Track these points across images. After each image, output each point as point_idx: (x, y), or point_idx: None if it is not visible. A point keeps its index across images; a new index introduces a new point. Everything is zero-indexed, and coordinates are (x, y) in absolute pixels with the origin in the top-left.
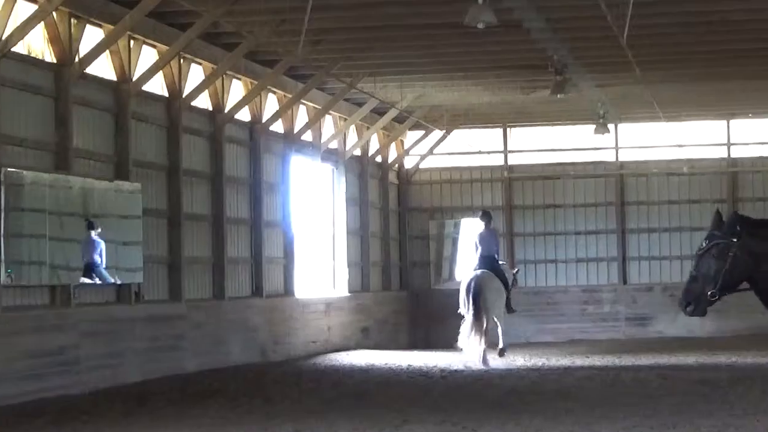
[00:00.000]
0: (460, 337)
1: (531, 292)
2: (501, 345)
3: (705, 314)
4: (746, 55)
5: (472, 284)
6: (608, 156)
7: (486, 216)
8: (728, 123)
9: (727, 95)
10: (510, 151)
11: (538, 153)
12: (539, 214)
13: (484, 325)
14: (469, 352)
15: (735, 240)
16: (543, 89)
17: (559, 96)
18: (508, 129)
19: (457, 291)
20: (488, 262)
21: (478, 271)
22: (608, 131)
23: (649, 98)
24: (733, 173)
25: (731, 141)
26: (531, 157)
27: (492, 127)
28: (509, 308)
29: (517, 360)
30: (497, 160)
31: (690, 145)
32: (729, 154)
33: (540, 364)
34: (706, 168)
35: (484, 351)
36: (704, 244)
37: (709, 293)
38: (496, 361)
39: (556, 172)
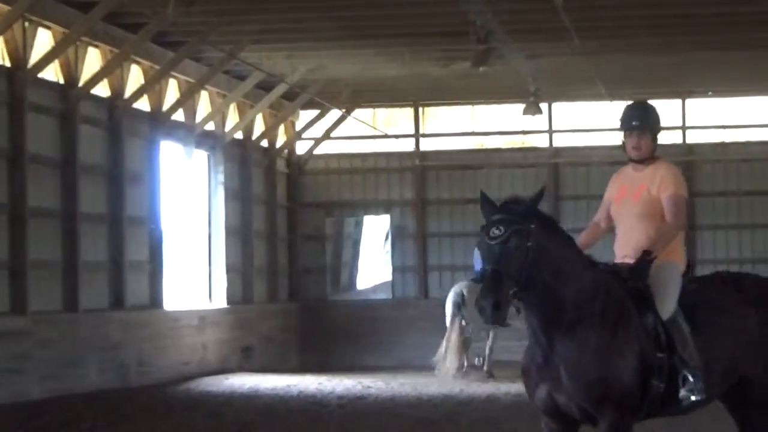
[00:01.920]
0: (438, 352)
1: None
2: (485, 367)
3: (505, 322)
4: (705, 22)
5: (453, 294)
6: (540, 141)
7: None
8: (683, 103)
9: (683, 70)
10: (423, 135)
11: (457, 137)
12: (457, 211)
13: (466, 340)
14: (443, 370)
15: (533, 226)
16: (462, 61)
17: (481, 69)
18: (420, 108)
19: (359, 302)
20: None
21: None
22: (540, 112)
23: (589, 73)
24: (689, 162)
25: (687, 124)
26: (448, 142)
27: (401, 107)
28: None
29: (431, 385)
30: (407, 146)
31: None
32: (684, 140)
33: (458, 390)
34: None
35: (466, 370)
36: (497, 231)
37: (511, 293)
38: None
39: (478, 160)
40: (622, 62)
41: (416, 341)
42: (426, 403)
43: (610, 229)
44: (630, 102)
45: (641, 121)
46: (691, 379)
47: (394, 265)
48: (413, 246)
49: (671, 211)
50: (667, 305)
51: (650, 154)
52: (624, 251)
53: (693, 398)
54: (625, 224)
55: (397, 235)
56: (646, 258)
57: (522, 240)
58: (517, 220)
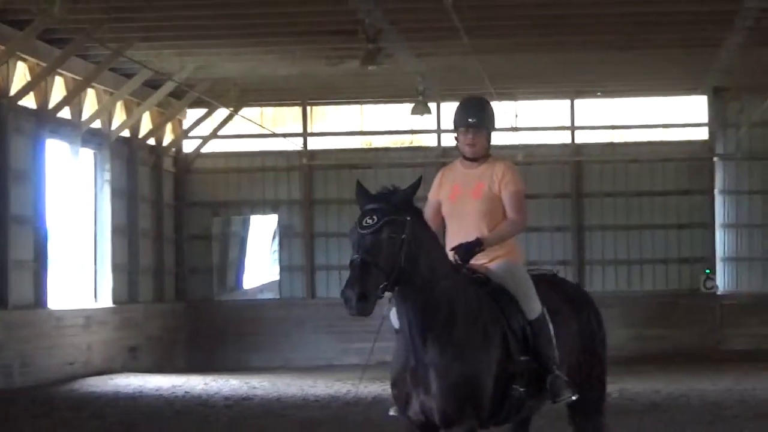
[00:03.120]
0: None
1: (333, 304)
2: None
3: (370, 314)
4: (595, 22)
5: None
6: (429, 141)
7: None
8: (572, 103)
9: (573, 69)
10: (311, 134)
11: (345, 137)
12: (345, 211)
13: None
14: None
15: (409, 218)
16: (351, 60)
17: (370, 68)
18: (308, 107)
19: (246, 302)
20: None
21: None
22: (429, 111)
23: (478, 72)
24: (577, 163)
25: (576, 124)
26: (336, 141)
27: (290, 105)
28: None
29: (318, 385)
30: (295, 145)
31: (527, 129)
32: (573, 140)
33: (345, 391)
34: (545, 156)
35: None
36: (370, 221)
37: (381, 287)
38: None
39: (366, 159)
40: (512, 61)
41: (303, 341)
42: (313, 404)
43: (439, 229)
44: (467, 98)
45: (478, 119)
46: (562, 379)
47: (282, 265)
48: (301, 245)
49: (515, 207)
50: (533, 305)
51: (485, 152)
52: None
53: (572, 397)
54: (462, 223)
55: (284, 234)
56: (474, 246)
57: (395, 231)
58: (391, 211)
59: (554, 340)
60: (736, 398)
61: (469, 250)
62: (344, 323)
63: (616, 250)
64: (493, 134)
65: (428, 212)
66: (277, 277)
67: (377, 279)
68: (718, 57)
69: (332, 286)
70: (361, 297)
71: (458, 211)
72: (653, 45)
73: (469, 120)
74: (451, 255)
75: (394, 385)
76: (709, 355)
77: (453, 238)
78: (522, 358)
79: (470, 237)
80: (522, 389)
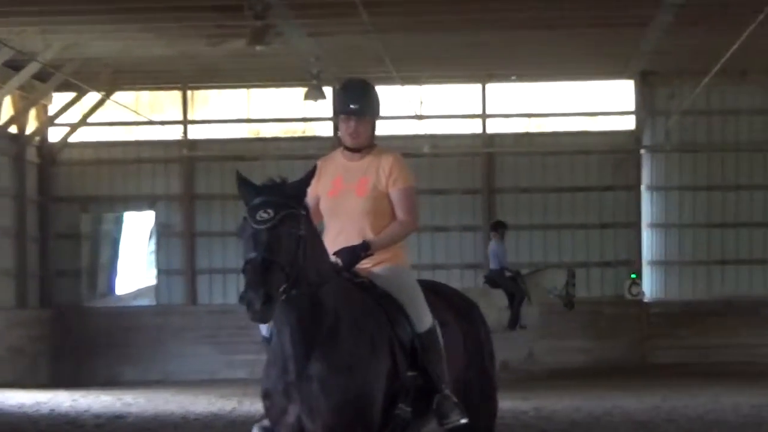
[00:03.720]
0: None
1: (216, 312)
2: None
3: (270, 320)
4: None
5: None
6: (324, 130)
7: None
8: (484, 88)
9: (484, 51)
10: (192, 122)
11: (230, 125)
12: (230, 208)
13: None
14: None
15: (304, 212)
16: (237, 39)
17: (258, 48)
18: (189, 92)
19: (119, 309)
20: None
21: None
22: (324, 97)
23: (379, 53)
24: (488, 155)
25: (487, 112)
26: (220, 130)
27: (168, 89)
28: (513, 325)
29: (199, 402)
30: (174, 134)
31: (433, 117)
32: (484, 130)
33: (229, 409)
34: (453, 148)
35: None
36: (265, 215)
37: (281, 289)
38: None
39: (254, 150)
40: (417, 42)
41: (183, 353)
42: (193, 423)
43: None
44: (348, 81)
45: (361, 105)
46: (451, 400)
47: (159, 268)
48: (180, 246)
49: (405, 207)
50: (423, 315)
51: (369, 141)
52: None
53: (461, 421)
54: (345, 222)
55: (162, 233)
56: (360, 250)
57: (294, 226)
58: (287, 203)
59: (444, 357)
60: (664, 417)
61: (354, 254)
62: (228, 333)
63: (531, 252)
64: (399, 123)
65: None
66: (154, 282)
67: (279, 279)
68: (646, 38)
69: (215, 291)
70: (267, 299)
71: (340, 209)
72: (574, 24)
73: (351, 106)
74: (333, 259)
75: (266, 397)
76: (635, 369)
77: (333, 239)
78: (409, 373)
79: (352, 238)
80: (408, 409)
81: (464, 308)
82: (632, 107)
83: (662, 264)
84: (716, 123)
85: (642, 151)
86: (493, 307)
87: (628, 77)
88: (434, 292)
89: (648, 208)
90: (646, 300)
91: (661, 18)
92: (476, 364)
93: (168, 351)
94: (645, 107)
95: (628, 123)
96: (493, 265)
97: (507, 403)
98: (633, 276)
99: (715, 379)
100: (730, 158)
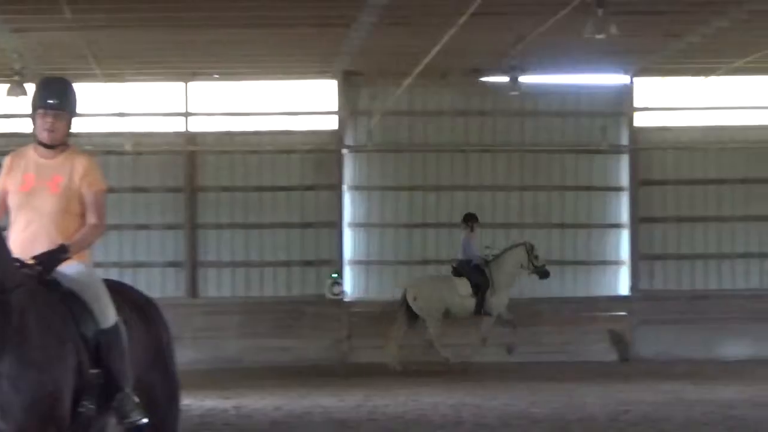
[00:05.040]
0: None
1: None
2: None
3: None
4: None
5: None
6: (25, 127)
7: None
8: (186, 86)
9: (188, 49)
10: None
11: None
12: None
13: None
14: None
15: None
16: None
17: None
18: None
19: None
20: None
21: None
22: (26, 93)
23: (82, 50)
24: (191, 153)
25: (190, 110)
26: None
27: None
28: (477, 311)
29: None
30: None
31: (136, 115)
32: (187, 128)
33: None
34: (156, 146)
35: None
36: None
37: None
38: None
39: None
40: (120, 39)
41: None
42: None
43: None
44: (47, 78)
45: (60, 100)
46: (132, 399)
47: None
48: None
49: (98, 210)
50: (107, 312)
51: (64, 139)
52: (33, 250)
53: (142, 420)
54: (35, 218)
55: None
56: (60, 254)
57: None
58: None
59: (128, 355)
60: (365, 415)
61: (53, 257)
62: None
63: (233, 250)
64: (102, 120)
65: None
66: None
67: None
68: (349, 38)
69: None
70: None
71: (31, 205)
72: (278, 24)
73: (49, 101)
74: (22, 262)
75: None
76: (337, 368)
77: (19, 233)
78: (93, 371)
79: (40, 234)
80: (92, 407)
81: (147, 309)
82: (335, 107)
83: (364, 263)
84: (418, 123)
85: (344, 150)
86: (455, 295)
87: (331, 77)
88: (118, 292)
89: (350, 207)
90: (347, 299)
91: (364, 18)
92: (160, 365)
93: None
94: (347, 107)
95: (331, 123)
96: (461, 256)
97: (208, 402)
98: (334, 275)
99: (416, 378)
100: (431, 159)
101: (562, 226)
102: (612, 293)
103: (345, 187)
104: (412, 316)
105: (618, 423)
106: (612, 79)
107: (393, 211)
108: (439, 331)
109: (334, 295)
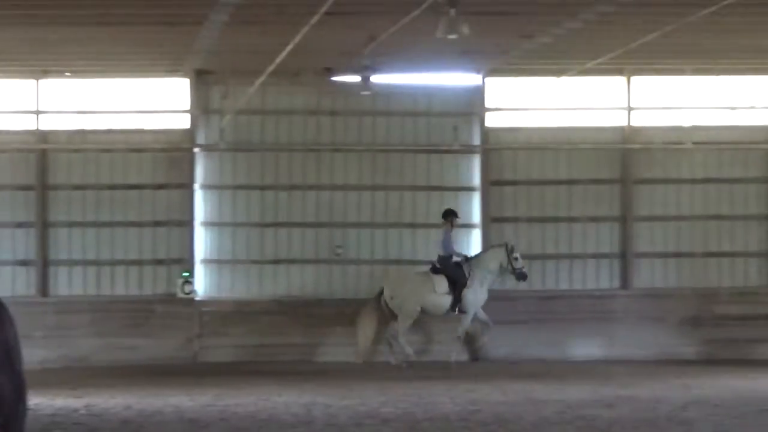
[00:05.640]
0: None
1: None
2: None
3: None
4: None
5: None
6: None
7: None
8: (38, 83)
9: (38, 47)
10: None
11: None
12: None
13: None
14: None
15: None
16: None
17: None
18: None
19: None
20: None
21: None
22: None
23: None
24: (42, 151)
25: (41, 108)
26: None
27: None
28: (453, 308)
29: None
30: None
31: None
32: (38, 126)
33: None
34: (7, 143)
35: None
36: None
37: None
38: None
39: None
40: None
41: None
42: None
43: None
44: None
45: None
46: None
47: None
48: None
49: None
50: None
51: None
52: None
53: None
54: None
55: None
56: None
57: None
58: None
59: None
60: (217, 414)
61: None
62: None
63: (84, 249)
64: None
65: None
66: None
67: None
68: (201, 36)
69: None
70: None
71: None
72: (130, 21)
73: None
74: None
75: None
76: (188, 367)
77: None
78: None
79: None
80: None
81: None
82: (187, 106)
83: (215, 262)
84: (270, 123)
85: (196, 149)
86: (432, 292)
87: (183, 75)
88: None
89: (202, 206)
90: (198, 298)
91: (215, 17)
92: (6, 365)
93: None
94: (199, 106)
95: (183, 121)
96: (441, 252)
97: (59, 401)
98: (185, 274)
99: (268, 377)
100: (283, 158)
101: (413, 225)
102: None
103: (197, 186)
104: (386, 312)
105: (469, 423)
106: (464, 79)
107: (245, 210)
108: (407, 328)
109: (186, 293)
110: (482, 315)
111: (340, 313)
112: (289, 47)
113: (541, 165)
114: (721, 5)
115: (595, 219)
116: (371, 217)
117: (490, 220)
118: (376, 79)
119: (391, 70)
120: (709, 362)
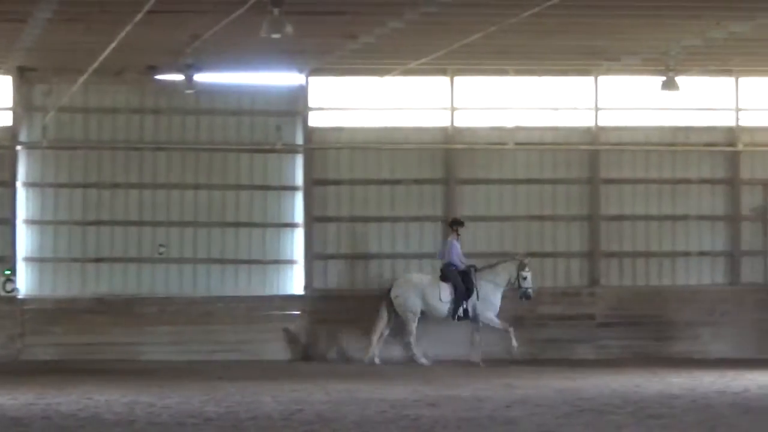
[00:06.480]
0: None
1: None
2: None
3: None
4: None
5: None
6: None
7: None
8: None
9: None
10: None
11: None
12: None
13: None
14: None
15: None
16: None
17: None
18: None
19: None
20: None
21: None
22: None
23: None
24: None
25: None
26: None
27: None
28: (452, 315)
29: None
30: None
31: None
32: None
33: None
34: None
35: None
36: None
37: None
38: None
39: None
40: None
41: None
42: None
43: None
44: None
45: None
46: None
47: None
48: None
49: None
50: None
51: None
52: None
53: None
54: None
55: None
56: None
57: None
58: None
59: None
60: (39, 413)
61: None
62: None
63: None
64: None
65: None
66: None
67: None
68: (24, 33)
69: None
70: None
71: None
72: None
73: None
74: None
75: None
76: (10, 366)
77: None
78: None
79: None
80: None
81: None
82: (9, 103)
83: (37, 261)
84: (93, 121)
85: (18, 147)
86: (435, 299)
87: (6, 73)
88: None
89: (24, 204)
90: (20, 296)
91: (39, 14)
92: None
93: None
94: (22, 103)
95: (5, 119)
96: (446, 260)
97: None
98: (7, 272)
99: (89, 376)
100: (106, 156)
101: (236, 225)
102: (287, 292)
103: (19, 184)
104: (394, 312)
105: (291, 422)
106: (288, 78)
107: (67, 208)
108: (413, 330)
109: (7, 292)
110: (496, 323)
111: (163, 311)
112: (113, 45)
113: (364, 165)
114: (543, 6)
115: (418, 219)
116: (195, 216)
117: (312, 220)
118: (200, 77)
119: (215, 69)
120: (532, 362)
